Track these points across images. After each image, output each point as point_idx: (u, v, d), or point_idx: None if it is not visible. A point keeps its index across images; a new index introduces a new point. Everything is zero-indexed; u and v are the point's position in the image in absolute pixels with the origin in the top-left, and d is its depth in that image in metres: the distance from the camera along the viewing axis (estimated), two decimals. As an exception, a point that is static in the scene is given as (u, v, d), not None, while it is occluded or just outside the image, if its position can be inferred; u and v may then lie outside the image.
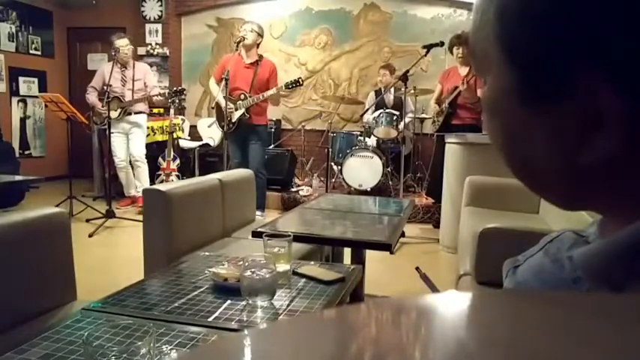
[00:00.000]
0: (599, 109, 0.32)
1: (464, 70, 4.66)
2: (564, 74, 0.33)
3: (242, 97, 4.39)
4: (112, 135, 5.03)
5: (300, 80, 4.45)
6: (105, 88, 4.94)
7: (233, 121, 4.38)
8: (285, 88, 4.40)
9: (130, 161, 5.35)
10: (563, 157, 0.35)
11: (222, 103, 4.32)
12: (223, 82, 4.27)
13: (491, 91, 0.39)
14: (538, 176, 0.38)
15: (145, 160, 5.34)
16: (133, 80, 5.15)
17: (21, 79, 7.08)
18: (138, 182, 5.27)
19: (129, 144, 5.28)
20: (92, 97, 5.19)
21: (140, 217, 2.62)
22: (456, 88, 4.59)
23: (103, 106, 4.98)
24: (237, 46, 4.40)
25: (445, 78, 4.87)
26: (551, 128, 0.34)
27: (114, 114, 5.01)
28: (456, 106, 4.67)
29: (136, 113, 5.23)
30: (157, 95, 5.18)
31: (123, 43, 5.12)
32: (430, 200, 5.14)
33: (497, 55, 0.36)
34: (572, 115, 0.33)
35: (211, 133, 6.14)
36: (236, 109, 4.39)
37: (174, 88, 5.12)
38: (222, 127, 4.42)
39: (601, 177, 0.34)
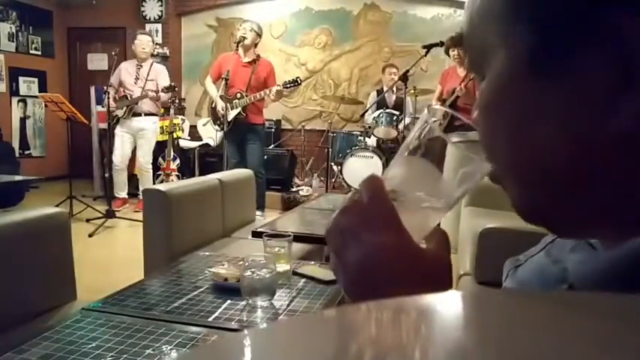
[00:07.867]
0: (628, 55, 0.28)
1: (462, 71, 4.69)
2: (589, 15, 0.29)
3: (238, 95, 4.38)
4: (117, 134, 4.98)
5: (298, 80, 4.44)
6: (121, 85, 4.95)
7: (229, 119, 4.37)
8: (283, 87, 4.40)
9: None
10: (584, 128, 0.30)
11: (220, 102, 4.32)
12: (222, 82, 4.26)
13: (493, 80, 0.35)
14: (545, 171, 0.33)
15: (150, 168, 5.20)
16: (146, 79, 4.97)
17: (21, 79, 7.08)
18: (142, 187, 5.06)
19: (136, 148, 5.12)
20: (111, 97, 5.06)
21: (140, 217, 2.62)
22: (455, 90, 4.62)
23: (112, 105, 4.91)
24: (237, 46, 4.40)
25: (444, 79, 4.89)
26: (572, 92, 0.31)
27: (120, 112, 4.91)
28: (455, 108, 4.70)
29: (145, 114, 5.04)
30: (153, 93, 5.02)
31: (143, 39, 5.01)
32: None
33: (503, 31, 0.34)
34: (598, 67, 0.29)
35: (211, 133, 6.14)
36: (232, 108, 4.38)
37: (165, 85, 5.00)
38: (219, 127, 4.42)
39: (618, 159, 0.30)
